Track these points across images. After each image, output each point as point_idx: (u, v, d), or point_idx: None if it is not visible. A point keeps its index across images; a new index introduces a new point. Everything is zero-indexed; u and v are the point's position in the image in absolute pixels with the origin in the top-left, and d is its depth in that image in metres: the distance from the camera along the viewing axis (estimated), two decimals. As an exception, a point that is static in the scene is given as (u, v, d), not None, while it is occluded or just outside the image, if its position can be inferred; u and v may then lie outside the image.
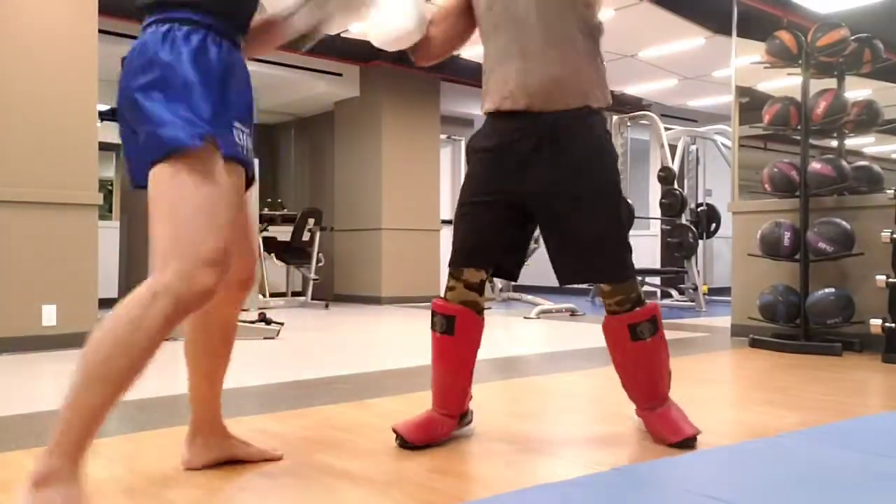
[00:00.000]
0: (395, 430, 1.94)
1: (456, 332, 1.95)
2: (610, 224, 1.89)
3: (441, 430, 1.97)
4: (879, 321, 3.61)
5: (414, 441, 1.91)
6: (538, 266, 7.69)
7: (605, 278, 1.92)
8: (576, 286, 9.12)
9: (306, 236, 7.24)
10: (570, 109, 1.87)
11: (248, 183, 1.57)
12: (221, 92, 1.41)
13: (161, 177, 1.35)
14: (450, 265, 1.97)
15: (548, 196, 1.88)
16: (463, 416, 2.06)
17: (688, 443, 1.93)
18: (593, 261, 1.89)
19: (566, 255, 1.92)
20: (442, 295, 2.01)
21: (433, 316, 1.99)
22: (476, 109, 8.20)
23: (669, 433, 1.95)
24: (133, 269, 4.46)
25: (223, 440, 1.74)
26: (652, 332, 1.94)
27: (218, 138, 1.38)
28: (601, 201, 1.89)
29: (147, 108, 1.35)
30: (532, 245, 6.54)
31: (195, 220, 1.33)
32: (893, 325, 3.58)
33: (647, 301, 1.98)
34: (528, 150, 1.88)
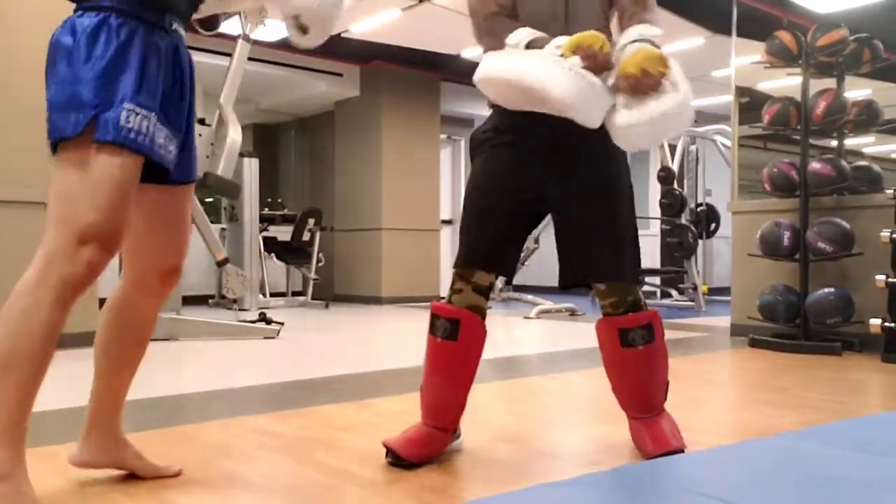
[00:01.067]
0: (386, 446, 1.78)
1: (460, 337, 1.81)
2: (618, 221, 1.83)
3: (439, 446, 1.84)
4: (879, 321, 3.61)
5: (410, 458, 1.75)
6: (538, 266, 7.70)
7: (600, 276, 1.83)
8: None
9: (306, 236, 7.25)
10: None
11: (170, 177, 1.52)
12: (112, 74, 1.37)
13: (55, 162, 1.39)
14: (460, 266, 1.84)
15: (561, 192, 1.81)
16: (454, 430, 1.93)
17: (669, 455, 1.78)
18: (595, 255, 1.81)
19: (569, 252, 1.84)
20: (445, 297, 1.88)
21: (434, 320, 1.84)
22: (476, 109, 8.22)
23: (652, 443, 1.82)
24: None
25: (116, 447, 1.64)
26: (646, 339, 1.82)
27: (97, 122, 1.35)
28: (610, 199, 1.83)
29: (47, 90, 1.39)
30: (532, 245, 6.55)
31: (73, 199, 1.35)
32: (893, 324, 3.58)
33: (648, 308, 1.88)
34: (547, 147, 1.81)
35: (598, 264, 1.82)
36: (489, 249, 1.83)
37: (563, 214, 1.85)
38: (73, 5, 1.45)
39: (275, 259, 7.20)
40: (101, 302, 4.54)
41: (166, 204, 1.58)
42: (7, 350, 1.30)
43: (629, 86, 1.60)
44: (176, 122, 1.49)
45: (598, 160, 1.83)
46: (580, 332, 4.98)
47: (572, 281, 1.88)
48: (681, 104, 1.61)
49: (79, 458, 1.63)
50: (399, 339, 4.76)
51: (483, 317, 1.87)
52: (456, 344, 1.81)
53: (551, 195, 1.83)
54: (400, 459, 1.75)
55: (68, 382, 3.06)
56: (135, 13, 1.42)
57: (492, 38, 1.76)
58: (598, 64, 1.61)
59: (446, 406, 1.86)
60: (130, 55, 1.39)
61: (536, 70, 1.59)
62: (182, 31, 1.54)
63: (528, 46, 1.68)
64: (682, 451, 1.82)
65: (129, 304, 1.63)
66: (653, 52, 1.62)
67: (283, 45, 6.70)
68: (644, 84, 1.59)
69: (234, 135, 4.57)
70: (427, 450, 1.80)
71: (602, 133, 1.78)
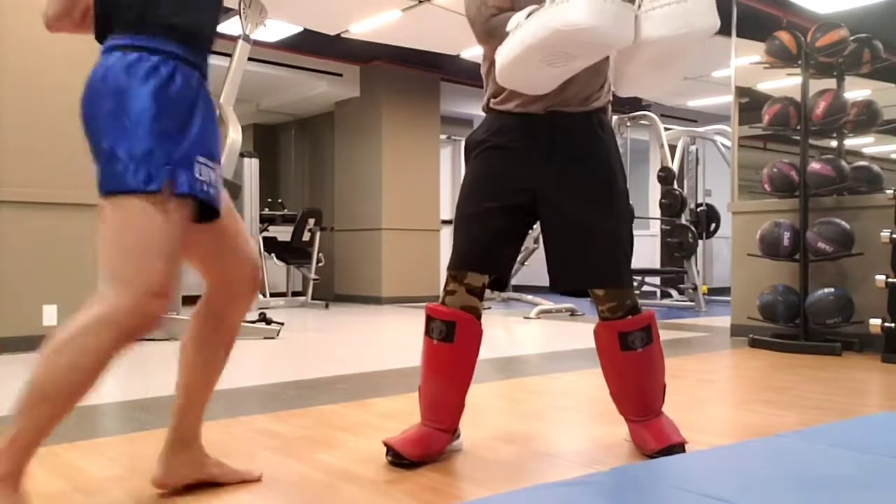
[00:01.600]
0: (387, 445, 1.79)
1: (456, 339, 1.81)
2: (615, 224, 1.82)
3: (438, 446, 1.84)
4: (879, 321, 3.61)
5: (410, 457, 1.76)
6: (538, 266, 7.71)
7: (600, 282, 1.82)
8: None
9: (306, 236, 7.25)
10: (582, 111, 1.83)
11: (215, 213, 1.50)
12: (183, 127, 1.38)
13: (113, 204, 1.36)
14: (453, 267, 1.84)
15: (557, 194, 1.81)
16: (454, 431, 1.94)
17: (671, 450, 1.80)
18: (591, 262, 1.80)
19: (564, 256, 1.82)
20: (440, 299, 1.88)
21: (430, 321, 1.84)
22: (476, 110, 8.20)
23: (653, 440, 1.83)
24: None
25: (199, 460, 1.61)
26: (644, 342, 1.83)
27: (175, 177, 1.36)
28: (608, 202, 1.82)
29: (103, 140, 1.35)
30: (532, 245, 6.55)
31: (143, 250, 1.34)
32: (893, 324, 3.58)
33: (644, 309, 1.88)
34: (542, 149, 1.82)
35: (596, 269, 1.80)
36: (481, 251, 1.82)
37: (556, 217, 1.82)
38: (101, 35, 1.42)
39: (275, 259, 7.20)
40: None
41: (217, 225, 1.55)
42: (55, 379, 1.30)
43: None
44: (217, 156, 1.50)
45: (593, 161, 1.83)
46: (580, 332, 4.98)
47: (570, 287, 1.86)
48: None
49: (163, 479, 1.58)
50: (399, 339, 4.76)
51: (478, 317, 1.87)
52: (452, 346, 1.82)
53: (545, 197, 1.81)
54: (400, 458, 1.76)
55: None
56: (181, 55, 1.40)
57: (494, 37, 1.74)
58: None
59: (445, 407, 1.86)
60: (191, 106, 1.40)
61: (544, 20, 1.53)
62: (205, 65, 1.53)
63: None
64: (684, 447, 1.83)
65: (215, 315, 1.61)
66: None
67: (284, 45, 6.71)
68: None
69: (235, 135, 4.58)
70: (426, 449, 1.80)
71: (597, 134, 1.82)
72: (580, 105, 1.83)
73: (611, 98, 1.92)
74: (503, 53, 1.65)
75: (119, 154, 1.33)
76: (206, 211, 1.46)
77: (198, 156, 1.39)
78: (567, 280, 1.84)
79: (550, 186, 1.81)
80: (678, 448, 1.82)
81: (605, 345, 1.87)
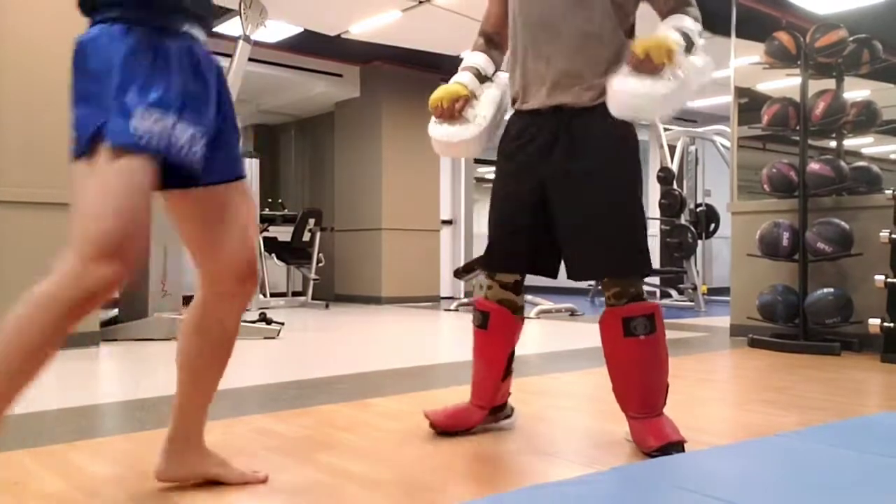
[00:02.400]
0: (426, 415, 2.06)
1: (489, 327, 2.03)
2: (626, 210, 1.88)
3: (470, 419, 2.06)
4: (878, 321, 3.62)
5: (441, 426, 2.03)
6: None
7: (613, 270, 1.89)
8: (575, 285, 9.14)
9: (307, 236, 7.25)
10: (589, 107, 1.89)
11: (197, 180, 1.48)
12: (124, 81, 1.36)
13: (72, 174, 1.41)
14: (485, 269, 2.09)
15: (569, 186, 1.88)
16: (498, 410, 2.14)
17: (670, 448, 1.82)
18: (603, 248, 1.86)
19: (582, 247, 1.89)
20: (483, 290, 2.12)
21: (474, 311, 2.09)
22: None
23: (652, 437, 1.85)
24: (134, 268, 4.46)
25: (200, 458, 1.60)
26: (647, 329, 1.86)
27: (104, 129, 1.34)
28: (622, 193, 1.89)
29: (72, 106, 1.42)
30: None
31: (84, 213, 1.34)
32: (892, 324, 3.59)
33: (649, 300, 1.92)
34: (547, 144, 1.92)
35: (607, 257, 1.87)
36: (504, 254, 2.01)
37: (566, 206, 1.89)
38: (82, 17, 1.45)
39: (275, 259, 7.20)
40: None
41: (217, 203, 1.53)
42: (4, 356, 1.28)
43: (631, 63, 1.76)
44: (201, 122, 1.45)
45: (602, 150, 1.88)
46: (580, 332, 4.98)
47: (587, 278, 1.98)
48: (668, 95, 1.73)
49: (164, 473, 1.58)
50: (399, 339, 4.76)
51: (514, 310, 2.05)
52: (486, 332, 2.05)
53: (554, 188, 1.90)
54: (434, 427, 2.04)
55: (68, 382, 3.07)
56: (139, 19, 1.40)
57: None
58: (444, 113, 2.03)
59: (481, 384, 2.08)
60: (138, 60, 1.38)
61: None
62: (198, 34, 1.51)
63: None
64: (683, 445, 1.84)
65: (209, 312, 1.57)
66: (663, 41, 1.74)
67: (284, 45, 6.71)
68: (644, 66, 1.73)
69: (235, 135, 4.58)
70: (459, 422, 2.05)
71: (607, 122, 1.85)
72: (588, 101, 1.89)
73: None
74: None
75: (76, 117, 1.40)
76: (180, 173, 1.42)
77: (143, 106, 1.34)
78: (581, 270, 1.92)
79: (557, 177, 1.90)
80: (677, 447, 1.83)
81: (609, 331, 1.91)
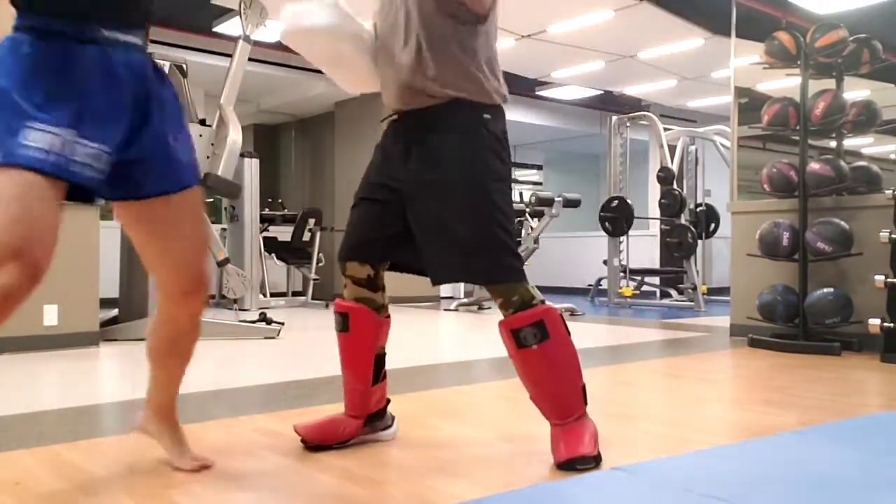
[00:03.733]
0: (295, 429, 1.93)
1: (350, 329, 1.91)
2: (472, 223, 1.74)
3: (343, 431, 1.92)
4: (878, 321, 3.62)
5: (311, 440, 1.90)
6: (538, 266, 7.70)
7: (465, 277, 1.81)
8: (576, 285, 9.14)
9: (307, 236, 7.25)
10: (433, 106, 1.80)
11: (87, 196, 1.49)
12: (16, 98, 1.33)
13: None
14: (338, 259, 1.97)
15: (414, 191, 1.80)
16: (376, 419, 1.99)
17: (578, 462, 1.70)
18: (452, 260, 1.76)
19: (433, 254, 1.79)
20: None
21: (334, 314, 1.97)
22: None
23: (564, 446, 1.74)
24: (134, 268, 4.46)
25: (170, 428, 1.79)
26: (538, 338, 1.74)
27: None
28: (465, 197, 1.75)
29: None
30: (532, 245, 6.55)
31: None
32: (892, 324, 3.59)
33: (539, 304, 1.78)
34: (400, 148, 1.85)
35: (459, 267, 1.77)
36: (355, 241, 1.91)
37: (415, 217, 1.81)
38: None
39: (275, 259, 7.20)
40: (103, 302, 4.50)
41: (160, 216, 1.54)
42: None
43: None
44: (105, 138, 1.41)
45: (443, 159, 1.78)
46: (580, 333, 4.98)
47: (439, 282, 1.83)
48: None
49: (139, 425, 1.81)
50: (398, 339, 4.75)
51: (376, 308, 1.92)
52: (348, 335, 1.92)
53: (406, 198, 1.81)
54: (304, 441, 1.91)
55: (68, 382, 3.07)
56: (46, 28, 1.37)
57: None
58: None
59: (350, 393, 1.95)
60: (35, 77, 1.34)
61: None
62: (124, 39, 1.44)
63: None
64: (596, 460, 1.74)
65: (162, 310, 1.67)
66: None
67: (284, 45, 6.71)
68: None
69: (235, 135, 4.58)
70: (329, 435, 1.91)
71: (447, 129, 1.79)
72: (427, 101, 1.81)
73: (495, 92, 1.84)
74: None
75: None
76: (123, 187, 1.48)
77: (36, 124, 1.32)
78: (435, 276, 1.81)
79: (409, 187, 1.81)
80: (587, 461, 1.71)
81: (506, 344, 1.82)
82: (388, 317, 1.99)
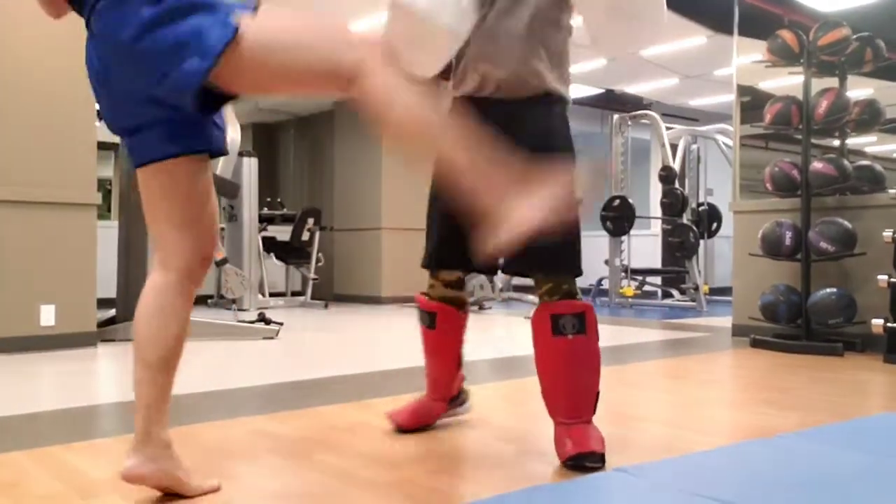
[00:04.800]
0: (389, 417, 2.12)
1: (437, 327, 2.07)
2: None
3: (432, 414, 2.15)
4: (881, 321, 3.60)
5: (406, 426, 2.09)
6: (539, 266, 7.68)
7: (541, 267, 1.84)
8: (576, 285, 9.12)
9: (306, 236, 7.24)
10: (527, 98, 1.86)
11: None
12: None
13: None
14: (425, 266, 2.06)
15: None
16: (454, 399, 2.19)
17: (586, 459, 1.71)
18: (534, 246, 1.69)
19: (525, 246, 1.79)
20: (425, 291, 2.12)
21: (419, 312, 2.13)
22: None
23: (571, 442, 1.75)
24: (132, 268, 4.45)
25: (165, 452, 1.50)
26: (576, 329, 1.78)
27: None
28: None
29: None
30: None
31: None
32: (895, 325, 3.57)
33: (582, 300, 1.84)
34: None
35: (536, 255, 1.74)
36: (442, 252, 2.00)
37: None
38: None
39: (274, 259, 7.19)
40: (101, 302, 4.48)
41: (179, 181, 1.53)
42: None
43: None
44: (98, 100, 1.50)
45: (532, 140, 1.78)
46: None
47: (515, 272, 1.99)
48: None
49: (129, 471, 1.47)
50: (399, 339, 4.75)
51: (458, 306, 2.08)
52: (435, 332, 2.09)
53: None
54: (400, 428, 2.09)
55: (65, 383, 3.05)
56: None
57: None
58: None
59: (438, 381, 2.14)
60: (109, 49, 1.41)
61: None
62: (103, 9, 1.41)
63: None
64: (602, 459, 1.74)
65: (164, 303, 1.53)
66: None
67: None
68: None
69: (234, 134, 4.57)
70: (422, 418, 2.13)
71: (536, 113, 1.84)
72: (526, 91, 1.86)
73: (566, 93, 1.93)
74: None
75: None
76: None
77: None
78: (508, 266, 1.89)
79: None
80: (595, 457, 1.72)
81: (538, 330, 1.84)
82: (468, 311, 2.14)
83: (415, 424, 2.10)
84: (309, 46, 1.33)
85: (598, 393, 1.85)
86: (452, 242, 1.91)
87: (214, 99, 1.38)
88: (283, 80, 1.37)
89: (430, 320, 2.08)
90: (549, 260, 1.82)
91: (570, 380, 1.83)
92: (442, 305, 2.06)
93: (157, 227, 1.55)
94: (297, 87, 1.42)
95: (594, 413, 1.84)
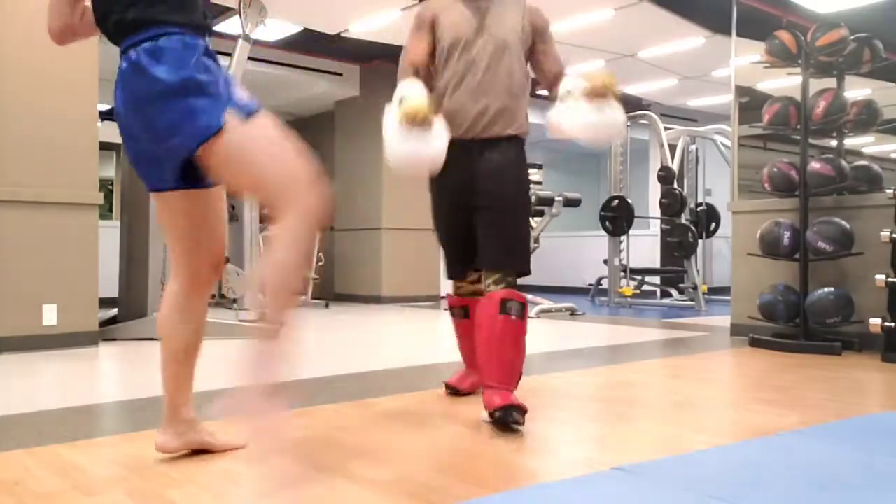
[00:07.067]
0: (447, 384, 2.66)
1: (471, 316, 2.49)
2: (523, 224, 2.35)
3: (478, 380, 2.46)
4: (879, 320, 3.61)
5: (466, 390, 2.62)
6: (538, 266, 7.70)
7: (510, 266, 2.27)
8: (576, 285, 9.14)
9: (306, 236, 7.23)
10: (502, 136, 2.34)
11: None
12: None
13: None
14: (450, 278, 2.59)
15: (479, 202, 2.32)
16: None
17: (512, 409, 2.07)
18: (505, 251, 2.28)
19: (491, 248, 2.29)
20: (452, 292, 2.66)
21: (452, 308, 2.68)
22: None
23: (499, 398, 2.11)
24: (133, 268, 4.46)
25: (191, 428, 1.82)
26: (518, 313, 2.20)
27: None
28: (517, 208, 2.34)
29: None
30: (532, 245, 6.55)
31: None
32: (893, 324, 3.58)
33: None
34: (467, 169, 2.34)
35: (512, 257, 2.30)
36: (461, 261, 2.49)
37: (484, 220, 2.32)
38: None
39: (275, 259, 7.18)
40: (102, 301, 4.49)
41: (182, 209, 1.75)
42: None
43: (590, 94, 2.22)
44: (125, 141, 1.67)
45: (500, 174, 2.31)
46: (580, 332, 4.98)
47: (492, 268, 2.31)
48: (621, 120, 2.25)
49: (163, 446, 1.80)
50: (399, 339, 4.76)
51: (482, 294, 2.35)
52: (470, 321, 2.50)
53: (473, 205, 2.34)
54: (457, 391, 2.63)
55: (67, 382, 3.06)
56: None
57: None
58: (421, 124, 2.17)
59: (469, 357, 2.61)
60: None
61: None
62: (128, 51, 1.60)
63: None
64: (524, 413, 2.10)
65: (188, 302, 1.81)
66: (612, 77, 2.22)
67: (283, 44, 6.71)
68: (597, 94, 2.21)
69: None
70: (471, 385, 2.62)
71: (508, 155, 2.33)
72: (497, 132, 2.35)
73: (524, 130, 2.41)
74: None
75: None
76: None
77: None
78: (490, 262, 2.30)
79: (473, 196, 2.33)
80: (518, 410, 2.08)
81: (485, 310, 2.24)
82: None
83: (471, 389, 2.60)
84: (268, 165, 1.55)
85: (521, 373, 2.27)
86: (466, 250, 2.40)
87: (195, 174, 1.62)
88: (238, 179, 1.60)
89: (464, 313, 2.60)
90: (518, 260, 2.32)
91: (505, 352, 2.22)
92: (473, 300, 2.50)
93: (171, 243, 1.78)
94: (246, 190, 1.68)
95: (516, 388, 2.22)
